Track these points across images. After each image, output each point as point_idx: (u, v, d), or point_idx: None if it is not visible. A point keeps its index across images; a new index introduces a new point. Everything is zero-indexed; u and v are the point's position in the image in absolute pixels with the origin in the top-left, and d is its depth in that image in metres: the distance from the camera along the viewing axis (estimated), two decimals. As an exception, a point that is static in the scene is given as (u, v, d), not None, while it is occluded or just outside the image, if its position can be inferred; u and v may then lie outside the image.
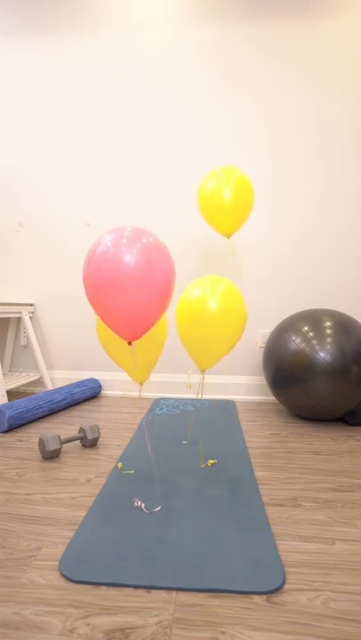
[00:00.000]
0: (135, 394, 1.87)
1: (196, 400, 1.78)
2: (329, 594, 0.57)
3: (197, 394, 1.86)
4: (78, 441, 1.22)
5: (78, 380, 1.88)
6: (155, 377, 1.87)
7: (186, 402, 1.73)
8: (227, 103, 1.79)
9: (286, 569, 0.63)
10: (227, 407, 1.65)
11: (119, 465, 1.02)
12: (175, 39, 1.80)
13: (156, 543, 0.68)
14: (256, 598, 0.56)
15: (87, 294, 0.81)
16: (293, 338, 1.37)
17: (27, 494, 0.87)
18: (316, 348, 1.31)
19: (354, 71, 1.74)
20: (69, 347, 1.94)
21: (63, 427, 1.36)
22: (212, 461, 1.05)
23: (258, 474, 0.99)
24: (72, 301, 1.92)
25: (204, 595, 0.57)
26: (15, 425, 1.31)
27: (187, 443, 1.20)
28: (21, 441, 1.21)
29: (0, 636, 0.50)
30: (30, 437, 1.24)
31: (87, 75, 1.86)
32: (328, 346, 1.30)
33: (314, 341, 1.32)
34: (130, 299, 0.75)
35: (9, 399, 1.76)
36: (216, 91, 1.80)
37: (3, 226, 1.95)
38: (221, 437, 1.25)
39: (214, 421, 1.43)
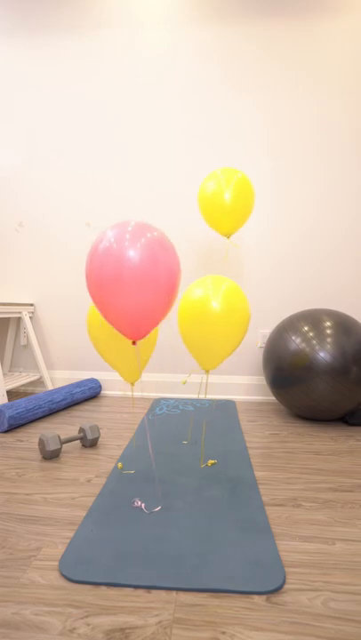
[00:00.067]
0: (135, 393, 1.87)
1: (197, 400, 1.78)
2: (329, 594, 0.57)
3: (198, 394, 1.85)
4: (78, 441, 1.22)
5: (78, 380, 1.88)
6: (155, 377, 1.87)
7: (186, 402, 1.73)
8: (227, 103, 1.79)
9: (286, 569, 0.63)
10: (227, 407, 1.64)
11: (119, 465, 1.02)
12: (175, 39, 1.80)
13: (156, 543, 0.68)
14: (256, 598, 0.56)
15: (90, 292, 0.79)
16: (293, 338, 1.37)
17: (27, 494, 0.87)
18: (316, 348, 1.31)
19: (354, 71, 1.74)
20: (69, 347, 1.94)
21: (63, 427, 1.36)
22: (212, 461, 1.05)
23: (258, 474, 0.99)
24: (72, 301, 1.92)
25: (204, 595, 0.57)
26: (15, 425, 1.31)
27: (187, 443, 1.20)
28: (21, 441, 1.21)
29: (0, 635, 0.50)
30: (30, 437, 1.24)
31: (87, 75, 1.86)
32: (328, 346, 1.30)
33: (314, 341, 1.32)
34: (133, 296, 0.73)
35: (9, 399, 1.76)
36: (216, 91, 1.80)
37: (3, 226, 1.95)
38: (221, 437, 1.25)
39: (214, 421, 1.43)
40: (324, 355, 1.29)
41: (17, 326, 1.97)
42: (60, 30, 1.85)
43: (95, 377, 1.90)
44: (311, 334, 1.34)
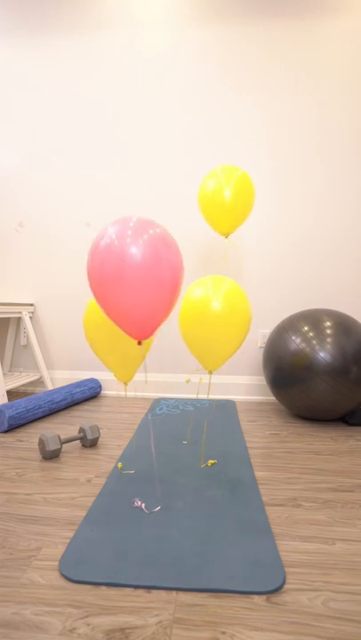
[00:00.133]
0: (135, 393, 1.87)
1: (197, 400, 1.78)
2: (329, 594, 0.57)
3: (197, 394, 1.85)
4: (78, 441, 1.22)
5: (78, 380, 1.88)
6: (155, 377, 1.87)
7: (186, 402, 1.73)
8: (227, 103, 1.79)
9: (286, 569, 0.63)
10: (227, 407, 1.64)
11: (119, 465, 1.02)
12: (175, 39, 1.80)
13: (156, 543, 0.68)
14: (256, 598, 0.56)
15: (92, 290, 0.77)
16: (293, 338, 1.37)
17: (27, 494, 0.87)
18: (316, 348, 1.31)
19: (354, 71, 1.74)
20: (69, 347, 1.94)
21: (63, 427, 1.36)
22: (212, 461, 1.05)
23: (258, 474, 0.99)
24: (72, 301, 1.92)
25: (204, 595, 0.57)
26: (15, 425, 1.31)
27: (186, 443, 1.20)
28: (21, 441, 1.21)
29: (0, 635, 0.50)
30: (30, 437, 1.24)
31: (87, 75, 1.86)
32: (328, 346, 1.30)
33: (314, 341, 1.32)
34: (136, 294, 0.71)
35: (9, 399, 1.76)
36: (216, 91, 1.80)
37: (3, 226, 1.95)
38: (221, 437, 1.25)
39: (214, 421, 1.43)
40: (324, 355, 1.29)
41: (17, 326, 1.97)
42: (60, 30, 1.85)
43: (95, 377, 1.90)
44: (311, 334, 1.34)
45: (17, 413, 1.31)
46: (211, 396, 1.85)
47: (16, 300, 1.94)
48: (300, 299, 1.80)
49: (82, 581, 0.59)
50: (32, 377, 1.85)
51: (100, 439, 1.24)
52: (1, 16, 1.88)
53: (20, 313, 1.84)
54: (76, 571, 0.61)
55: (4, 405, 1.31)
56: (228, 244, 1.81)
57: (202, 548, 0.67)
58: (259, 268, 1.82)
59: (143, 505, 0.81)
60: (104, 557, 0.64)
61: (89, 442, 1.15)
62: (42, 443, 1.07)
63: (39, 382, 1.93)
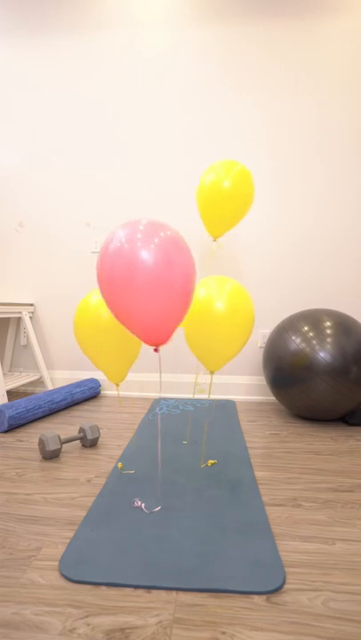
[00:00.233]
0: (135, 393, 1.87)
1: (197, 400, 1.78)
2: (329, 594, 0.57)
3: (193, 394, 1.85)
4: (78, 441, 1.22)
5: (78, 380, 1.88)
6: (155, 377, 1.87)
7: (186, 402, 1.73)
8: (227, 103, 1.79)
9: (286, 569, 0.63)
10: (227, 407, 1.64)
11: (119, 465, 1.02)
12: (175, 39, 1.80)
13: (156, 543, 0.68)
14: (256, 598, 0.56)
15: (102, 295, 0.75)
16: (293, 338, 1.37)
17: (27, 494, 0.87)
18: (316, 348, 1.31)
19: (354, 71, 1.74)
20: (69, 347, 1.94)
21: (63, 427, 1.36)
22: (212, 461, 1.05)
23: (258, 474, 0.99)
24: (72, 301, 1.91)
25: (204, 595, 0.57)
26: (15, 425, 1.31)
27: (186, 443, 1.20)
28: (21, 441, 1.21)
29: (0, 635, 0.50)
30: (30, 437, 1.24)
31: (87, 75, 1.86)
32: (328, 346, 1.30)
33: (314, 341, 1.32)
34: (147, 299, 0.68)
35: (9, 399, 1.76)
36: (216, 91, 1.80)
37: (3, 226, 1.95)
38: (221, 437, 1.25)
39: (214, 421, 1.43)
40: (324, 355, 1.29)
41: (17, 326, 1.97)
42: (60, 30, 1.85)
43: (95, 377, 1.90)
44: (311, 334, 1.34)
45: (17, 413, 1.31)
46: (211, 396, 1.85)
47: (16, 300, 1.94)
48: (300, 299, 1.80)
49: (82, 581, 0.59)
50: (32, 377, 1.85)
51: (100, 439, 1.24)
52: (1, 16, 1.88)
53: (20, 313, 1.84)
54: (76, 571, 0.61)
55: (4, 405, 1.31)
56: (217, 245, 1.81)
57: (202, 548, 0.67)
58: (259, 268, 1.82)
59: (143, 505, 0.81)
60: (104, 557, 0.64)
61: (89, 442, 1.15)
62: (42, 443, 1.07)
63: (39, 382, 1.93)
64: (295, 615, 0.53)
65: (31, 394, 1.89)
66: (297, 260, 1.80)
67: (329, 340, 1.31)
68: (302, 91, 1.76)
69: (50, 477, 0.96)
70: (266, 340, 1.76)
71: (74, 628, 0.51)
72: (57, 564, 0.63)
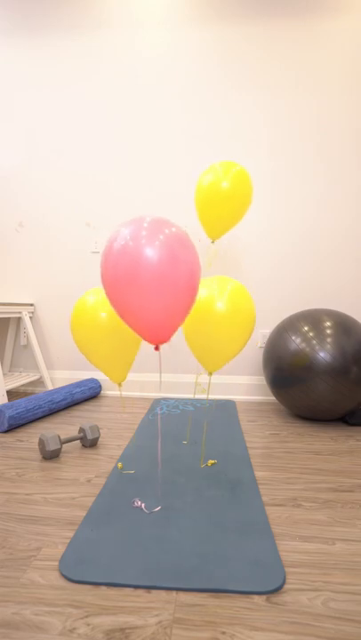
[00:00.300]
0: (135, 393, 1.87)
1: (197, 400, 1.78)
2: (329, 594, 0.57)
3: (194, 394, 1.85)
4: (78, 441, 1.22)
5: (78, 380, 1.88)
6: (155, 377, 1.87)
7: (186, 402, 1.73)
8: (227, 103, 1.79)
9: (286, 569, 0.63)
10: (227, 407, 1.64)
11: (119, 465, 1.02)
12: (175, 39, 1.80)
13: (156, 543, 0.68)
14: (256, 598, 0.56)
15: (106, 293, 0.74)
16: (293, 338, 1.37)
17: (27, 494, 0.87)
18: (316, 348, 1.31)
19: (354, 71, 1.74)
20: (69, 347, 1.94)
21: (63, 427, 1.36)
22: (212, 461, 1.05)
23: (258, 474, 0.99)
24: (72, 301, 1.91)
25: (204, 595, 0.57)
26: (15, 425, 1.31)
27: (186, 443, 1.20)
28: (21, 441, 1.21)
29: (0, 635, 0.50)
30: (30, 437, 1.24)
31: (87, 75, 1.86)
32: (328, 346, 1.30)
33: (314, 341, 1.32)
34: (151, 297, 0.67)
35: (9, 399, 1.76)
36: (216, 91, 1.80)
37: (3, 226, 1.95)
38: (221, 437, 1.25)
39: (214, 421, 1.43)
40: (324, 355, 1.29)
41: (17, 326, 1.97)
42: (60, 30, 1.85)
43: (95, 377, 1.90)
44: (311, 334, 1.34)
45: (17, 413, 1.31)
46: (211, 396, 1.85)
47: (16, 300, 1.94)
48: (300, 299, 1.80)
49: (82, 581, 0.59)
50: (32, 377, 1.85)
51: (100, 439, 1.24)
52: (1, 16, 1.88)
53: (20, 313, 1.84)
54: (76, 571, 0.61)
55: (4, 405, 1.31)
56: (214, 248, 1.81)
57: (202, 548, 0.67)
58: (259, 268, 1.82)
59: (143, 505, 0.81)
60: (104, 557, 0.64)
61: (89, 442, 1.15)
62: (42, 443, 1.07)
63: (39, 382, 1.93)
64: (295, 615, 0.53)
65: (31, 394, 1.89)
66: (297, 260, 1.80)
67: (329, 340, 1.31)
68: (302, 91, 1.76)
69: (50, 477, 0.96)
70: (266, 340, 1.76)
71: (74, 628, 0.51)
72: (57, 564, 0.63)
